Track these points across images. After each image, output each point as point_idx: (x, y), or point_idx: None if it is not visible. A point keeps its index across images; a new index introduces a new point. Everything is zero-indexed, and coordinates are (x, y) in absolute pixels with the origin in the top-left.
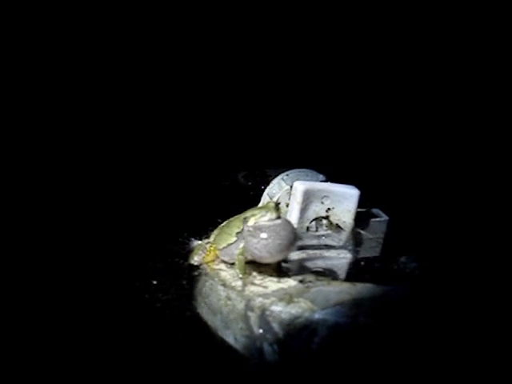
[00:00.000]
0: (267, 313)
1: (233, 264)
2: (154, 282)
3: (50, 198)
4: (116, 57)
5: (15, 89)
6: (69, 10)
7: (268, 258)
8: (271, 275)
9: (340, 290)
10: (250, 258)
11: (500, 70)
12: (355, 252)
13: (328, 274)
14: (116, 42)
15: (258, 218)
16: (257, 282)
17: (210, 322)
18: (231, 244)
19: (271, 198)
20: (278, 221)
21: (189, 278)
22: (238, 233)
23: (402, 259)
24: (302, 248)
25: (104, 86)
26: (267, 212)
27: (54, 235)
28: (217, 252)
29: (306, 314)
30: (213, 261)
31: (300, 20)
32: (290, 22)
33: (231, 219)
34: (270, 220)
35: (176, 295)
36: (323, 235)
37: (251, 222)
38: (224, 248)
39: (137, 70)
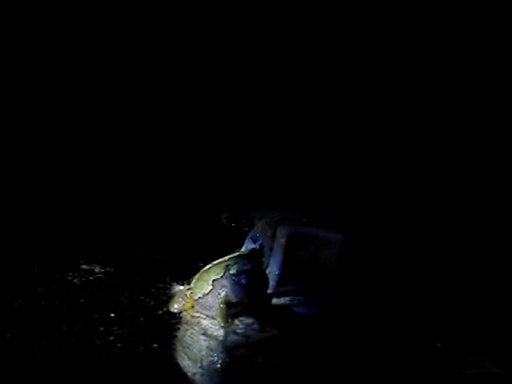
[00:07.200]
0: (249, 364)
1: (208, 316)
2: (112, 315)
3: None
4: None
5: (15, 89)
6: (69, 10)
7: (247, 299)
8: (253, 324)
9: None
10: (234, 300)
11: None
12: (337, 297)
13: (311, 320)
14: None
15: (241, 267)
16: (239, 331)
17: (190, 374)
18: (207, 294)
19: (254, 242)
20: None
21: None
22: (214, 280)
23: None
24: (284, 294)
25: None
26: (250, 260)
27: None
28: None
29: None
30: (192, 308)
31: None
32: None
33: (214, 263)
34: (251, 268)
35: (133, 330)
36: (306, 280)
37: (233, 270)
38: (199, 299)
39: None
